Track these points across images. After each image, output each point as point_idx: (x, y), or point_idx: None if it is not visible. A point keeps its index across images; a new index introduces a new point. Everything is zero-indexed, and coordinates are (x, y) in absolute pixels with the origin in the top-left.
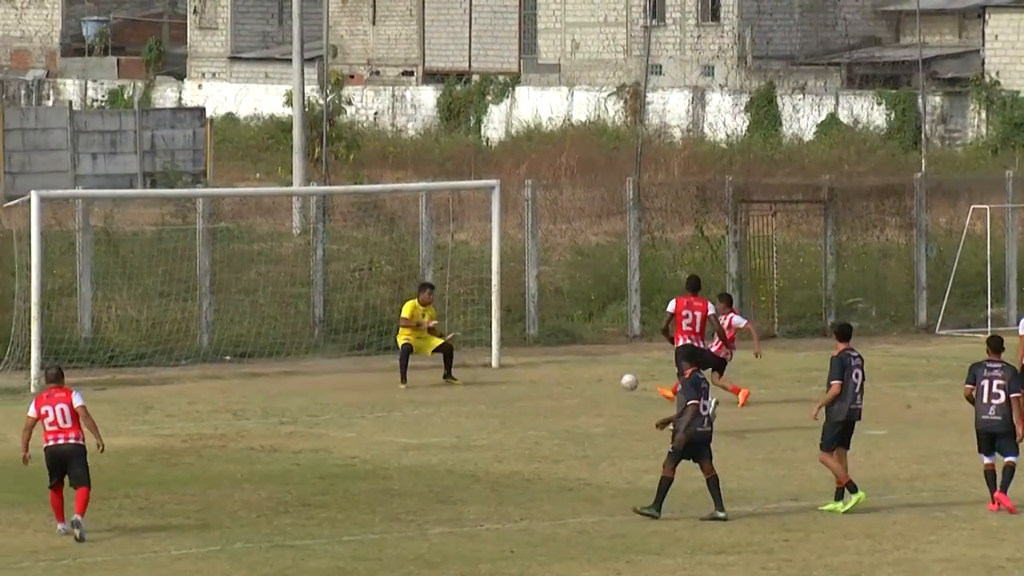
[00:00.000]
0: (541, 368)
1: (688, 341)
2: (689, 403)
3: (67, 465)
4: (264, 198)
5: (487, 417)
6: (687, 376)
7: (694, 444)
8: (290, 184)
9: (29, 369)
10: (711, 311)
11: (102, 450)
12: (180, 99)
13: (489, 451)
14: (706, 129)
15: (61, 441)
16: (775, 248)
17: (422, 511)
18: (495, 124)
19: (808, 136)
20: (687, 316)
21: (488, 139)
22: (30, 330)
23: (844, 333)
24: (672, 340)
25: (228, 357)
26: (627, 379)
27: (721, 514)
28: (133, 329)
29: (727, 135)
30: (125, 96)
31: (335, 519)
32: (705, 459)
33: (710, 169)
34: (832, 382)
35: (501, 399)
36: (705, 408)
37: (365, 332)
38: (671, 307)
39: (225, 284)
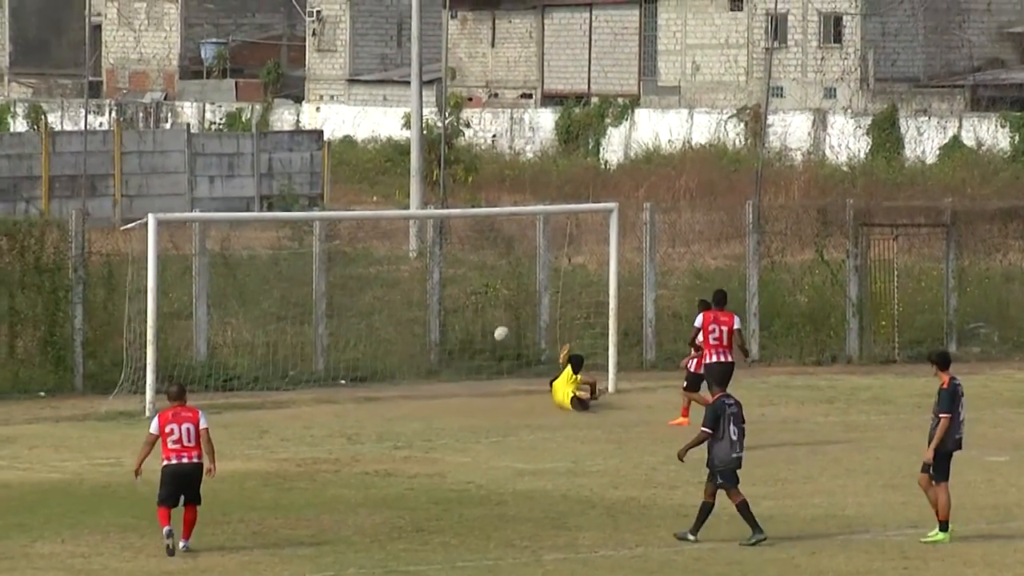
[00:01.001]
0: (658, 393)
1: (716, 355)
2: (704, 429)
3: (187, 485)
4: (381, 221)
5: (603, 442)
6: (712, 400)
7: (727, 472)
8: (407, 207)
9: (144, 393)
10: (737, 325)
11: (212, 475)
12: (298, 122)
13: (605, 476)
14: (827, 152)
15: (185, 460)
16: (896, 272)
17: (537, 537)
18: (614, 147)
19: (931, 159)
20: (714, 330)
21: (607, 162)
22: (145, 353)
23: (945, 361)
24: (698, 348)
25: (343, 381)
26: (499, 331)
27: (762, 536)
28: (248, 352)
29: (848, 158)
30: (243, 119)
31: (449, 544)
32: (732, 485)
33: (831, 192)
34: (942, 415)
35: (617, 424)
36: (735, 434)
37: (481, 356)
38: (698, 321)
39: (341, 307)
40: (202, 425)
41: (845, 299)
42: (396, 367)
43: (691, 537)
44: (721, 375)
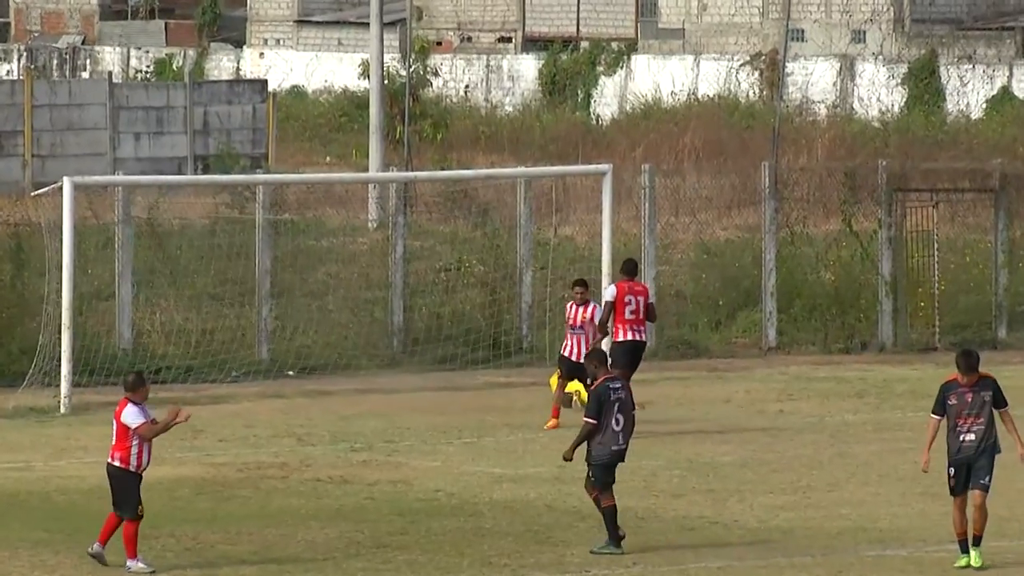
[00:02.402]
0: (658, 386)
1: (630, 332)
2: (587, 419)
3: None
4: (335, 186)
5: None
6: (596, 384)
7: (601, 468)
8: (366, 170)
9: (58, 385)
10: (651, 300)
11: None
12: (238, 70)
13: None
14: (856, 105)
15: (108, 460)
16: (937, 245)
17: (517, 554)
18: (607, 99)
19: (976, 113)
20: (630, 302)
21: (599, 117)
22: (60, 340)
23: (972, 365)
24: (610, 334)
25: (291, 372)
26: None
27: (618, 551)
28: (180, 339)
29: (880, 112)
30: (174, 66)
31: (416, 562)
32: (605, 484)
33: (860, 152)
34: (933, 416)
35: None
36: (619, 423)
37: (452, 344)
38: (610, 294)
39: (289, 287)
40: (123, 419)
41: (877, 276)
42: (353, 356)
43: (617, 551)
44: (633, 356)
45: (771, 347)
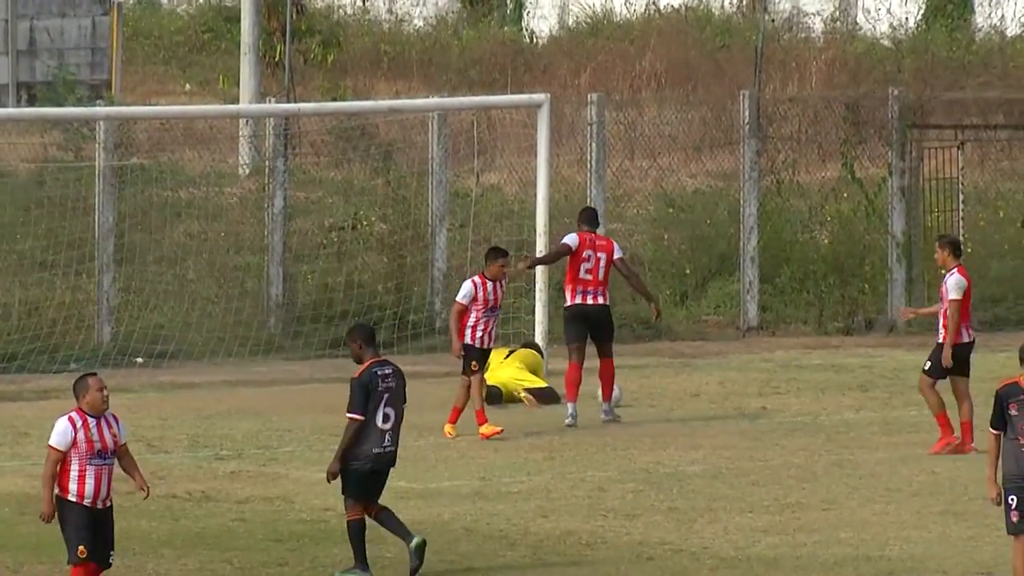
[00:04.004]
0: None
1: (584, 295)
2: (351, 415)
3: None
4: (197, 122)
5: (527, 450)
6: (362, 368)
7: (363, 475)
8: (236, 101)
9: None
10: (618, 253)
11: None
12: None
13: (530, 500)
14: (860, 18)
15: None
16: (962, 197)
17: None
18: (544, 11)
19: (1013, 29)
20: (588, 258)
21: (533, 33)
22: None
23: None
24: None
25: (140, 359)
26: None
27: (416, 539)
28: None
29: (891, 27)
30: None
31: None
32: (369, 496)
33: (866, 79)
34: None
35: (549, 423)
36: (387, 419)
37: (345, 323)
38: (572, 240)
39: (138, 250)
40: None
41: (886, 237)
42: (219, 338)
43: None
44: (584, 323)
45: (752, 327)
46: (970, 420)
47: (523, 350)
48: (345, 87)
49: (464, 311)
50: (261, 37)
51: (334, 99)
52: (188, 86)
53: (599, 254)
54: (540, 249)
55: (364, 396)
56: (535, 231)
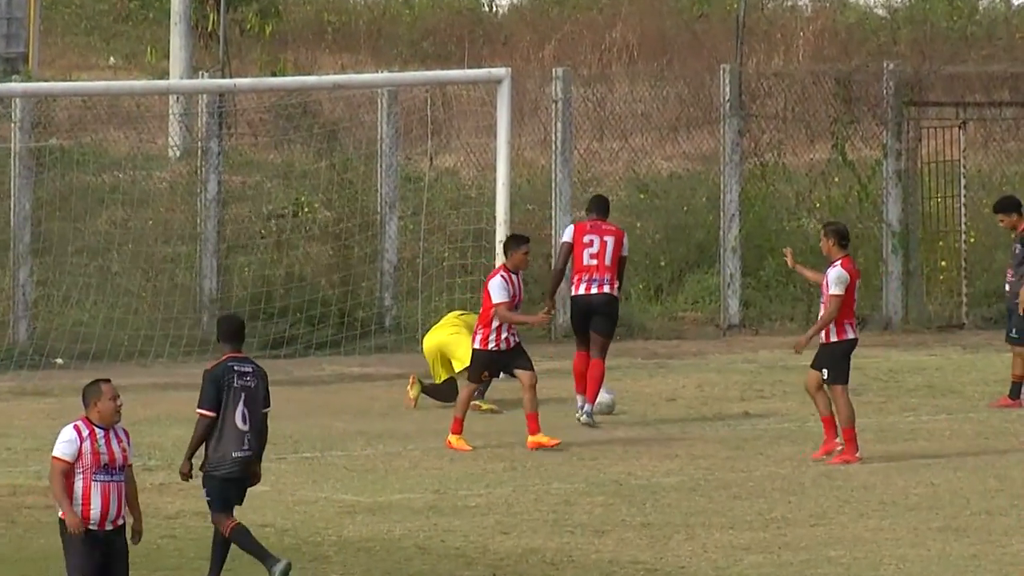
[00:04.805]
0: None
1: (587, 284)
2: (201, 411)
3: None
4: (123, 99)
5: (486, 460)
6: (215, 363)
7: (219, 483)
8: (165, 76)
9: None
10: (625, 250)
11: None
12: None
13: (489, 515)
14: None
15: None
16: (965, 181)
17: None
18: None
19: None
20: (591, 243)
21: (493, 2)
22: None
23: None
24: (561, 282)
25: (60, 360)
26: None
27: (280, 565)
28: None
29: None
30: None
31: None
32: (225, 505)
33: (858, 52)
34: None
35: (509, 430)
36: (244, 419)
37: (286, 320)
38: (568, 234)
39: (57, 240)
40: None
41: (881, 225)
42: (147, 337)
43: None
44: (585, 312)
45: (733, 324)
46: (831, 416)
47: (473, 315)
48: (285, 61)
49: (511, 307)
50: (193, 5)
51: (273, 74)
52: (113, 59)
53: (605, 238)
54: (499, 238)
55: (215, 391)
56: (494, 219)
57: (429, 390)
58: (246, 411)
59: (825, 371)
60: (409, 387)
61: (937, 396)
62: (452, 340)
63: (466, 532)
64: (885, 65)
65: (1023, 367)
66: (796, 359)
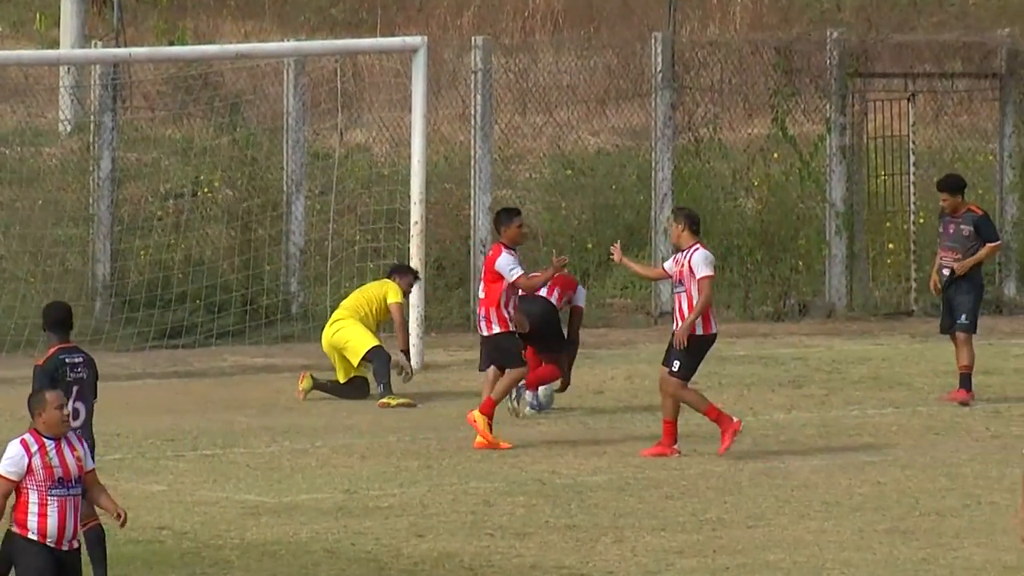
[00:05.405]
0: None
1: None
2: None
3: None
4: (9, 70)
5: (400, 456)
6: (46, 357)
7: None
8: (56, 45)
9: None
10: (581, 300)
11: None
12: None
13: (403, 517)
14: None
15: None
16: (914, 158)
17: None
18: None
19: None
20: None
21: None
22: None
23: None
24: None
25: None
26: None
27: None
28: None
29: None
30: None
31: None
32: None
33: (799, 19)
34: None
35: (425, 424)
36: (77, 415)
37: (184, 307)
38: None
39: None
40: None
41: (824, 205)
42: (35, 326)
43: None
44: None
45: (665, 312)
46: (675, 421)
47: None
48: (184, 28)
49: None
50: None
51: (171, 43)
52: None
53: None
54: (415, 220)
55: (50, 384)
56: (409, 199)
57: (326, 387)
58: (80, 406)
59: (677, 362)
60: (300, 380)
61: (883, 388)
62: (341, 334)
63: (378, 535)
64: (828, 33)
65: (970, 356)
66: (731, 348)
